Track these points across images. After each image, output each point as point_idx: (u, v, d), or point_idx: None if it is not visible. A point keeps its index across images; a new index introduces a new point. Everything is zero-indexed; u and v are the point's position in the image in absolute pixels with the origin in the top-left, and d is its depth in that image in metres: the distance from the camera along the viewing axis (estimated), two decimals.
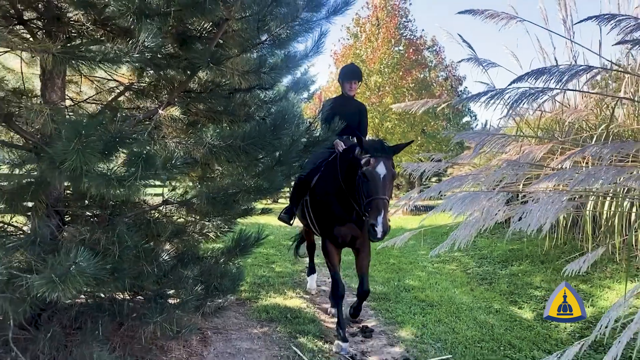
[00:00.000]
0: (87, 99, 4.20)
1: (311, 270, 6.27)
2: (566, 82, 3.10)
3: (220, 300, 3.98)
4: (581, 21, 3.43)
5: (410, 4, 19.08)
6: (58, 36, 3.35)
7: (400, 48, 17.38)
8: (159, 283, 3.40)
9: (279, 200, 18.57)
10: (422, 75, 17.49)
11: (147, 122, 3.47)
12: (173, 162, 2.92)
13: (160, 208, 3.89)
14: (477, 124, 32.39)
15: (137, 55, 2.55)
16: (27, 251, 2.85)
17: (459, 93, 25.57)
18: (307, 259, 6.49)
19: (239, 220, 4.38)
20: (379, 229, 3.47)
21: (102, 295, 3.44)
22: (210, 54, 3.16)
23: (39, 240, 3.07)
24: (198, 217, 3.91)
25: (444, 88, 20.92)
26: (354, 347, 4.16)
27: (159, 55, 2.91)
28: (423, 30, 24.02)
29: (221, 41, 3.38)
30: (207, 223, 4.15)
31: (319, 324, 4.66)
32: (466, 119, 31.20)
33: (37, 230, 3.18)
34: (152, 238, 3.64)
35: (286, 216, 5.09)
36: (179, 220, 3.98)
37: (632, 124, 5.44)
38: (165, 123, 3.56)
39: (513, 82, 3.21)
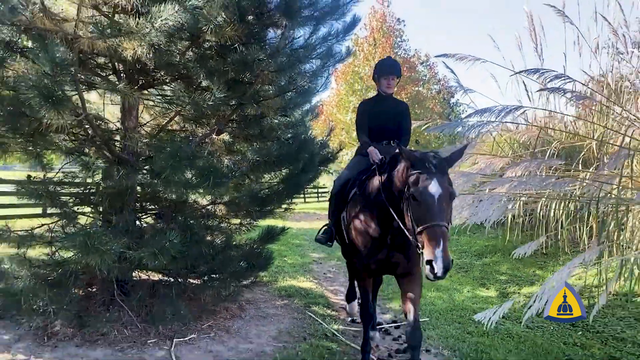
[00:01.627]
0: (146, 123, 5.46)
1: (351, 295, 5.31)
2: (504, 116, 4.37)
3: (252, 278, 5.26)
4: (519, 72, 4.70)
5: (405, 25, 20.42)
6: (138, 81, 4.62)
7: None
8: (213, 261, 4.64)
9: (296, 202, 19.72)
10: (415, 89, 18.76)
11: (204, 143, 4.74)
12: (230, 173, 4.18)
13: (209, 207, 5.15)
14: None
15: (211, 104, 3.80)
16: (125, 237, 4.06)
17: (452, 105, 26.83)
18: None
19: (262, 222, 5.63)
20: (439, 266, 2.56)
21: (171, 270, 4.68)
22: (253, 96, 4.43)
23: (130, 229, 4.32)
24: (238, 214, 5.17)
25: (436, 100, 22.23)
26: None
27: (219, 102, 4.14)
28: (416, 49, 25.46)
29: (259, 86, 4.64)
30: (241, 219, 5.43)
31: (327, 299, 5.91)
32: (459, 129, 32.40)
33: (127, 222, 4.41)
34: (204, 229, 4.90)
35: (324, 237, 4.23)
36: (221, 216, 5.24)
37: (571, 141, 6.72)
38: (217, 144, 4.83)
39: (467, 116, 4.48)
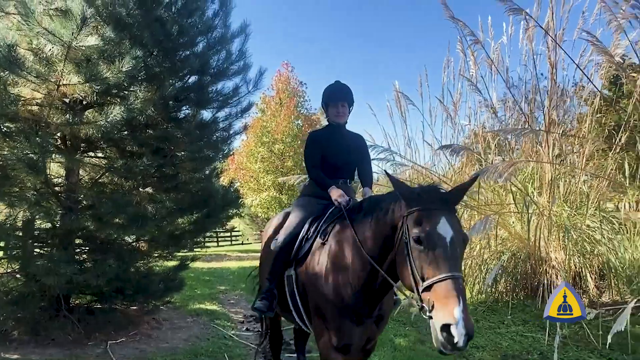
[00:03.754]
0: (81, 179, 6.81)
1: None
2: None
3: (168, 298, 6.68)
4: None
5: (307, 87, 22.93)
6: (80, 147, 6.04)
7: (299, 122, 20.98)
8: (138, 284, 6.02)
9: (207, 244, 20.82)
10: None
11: (132, 194, 6.20)
12: (153, 218, 5.68)
13: (134, 244, 6.56)
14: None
15: (142, 168, 5.33)
16: (71, 265, 5.38)
17: None
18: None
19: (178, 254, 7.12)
20: (459, 332, 1.88)
21: (105, 290, 6.00)
22: (171, 160, 6.01)
23: (75, 259, 5.65)
24: (157, 249, 6.60)
25: None
26: None
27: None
28: (316, 109, 28.30)
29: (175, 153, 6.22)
30: (160, 253, 6.86)
31: (229, 316, 7.40)
32: None
33: (72, 254, 5.73)
34: (131, 259, 6.29)
35: (264, 304, 3.13)
36: (144, 250, 6.65)
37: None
38: (142, 195, 6.29)
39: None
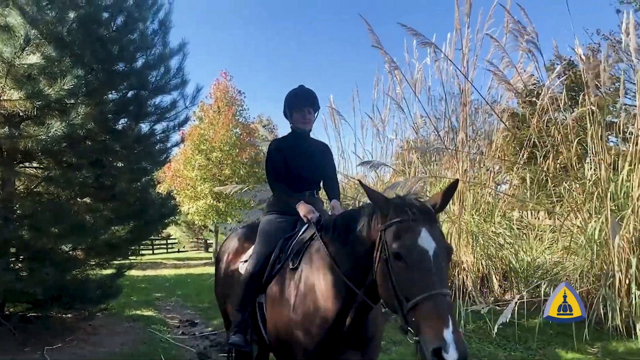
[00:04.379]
0: (16, 188, 6.88)
1: None
2: None
3: (105, 305, 6.87)
4: None
5: (245, 96, 23.23)
6: (17, 158, 6.15)
7: (237, 130, 21.23)
8: (75, 290, 6.19)
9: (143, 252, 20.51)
10: (255, 152, 21.22)
11: (70, 204, 6.36)
12: (91, 227, 5.90)
13: (70, 252, 6.70)
14: None
15: (81, 179, 5.55)
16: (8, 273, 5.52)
17: None
18: None
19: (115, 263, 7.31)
20: (452, 355, 1.69)
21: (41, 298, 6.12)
22: (109, 171, 6.24)
23: (11, 267, 5.77)
24: (94, 257, 6.77)
25: None
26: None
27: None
28: (260, 114, 28.90)
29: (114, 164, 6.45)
30: (98, 261, 7.03)
31: (165, 321, 7.64)
32: None
33: (9, 262, 5.84)
34: (68, 267, 6.44)
35: (239, 337, 2.88)
36: (81, 258, 6.81)
37: None
38: (79, 205, 6.46)
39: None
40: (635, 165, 5.96)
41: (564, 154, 6.53)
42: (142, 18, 6.46)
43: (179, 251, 32.43)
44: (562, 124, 6.72)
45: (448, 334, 1.72)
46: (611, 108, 8.21)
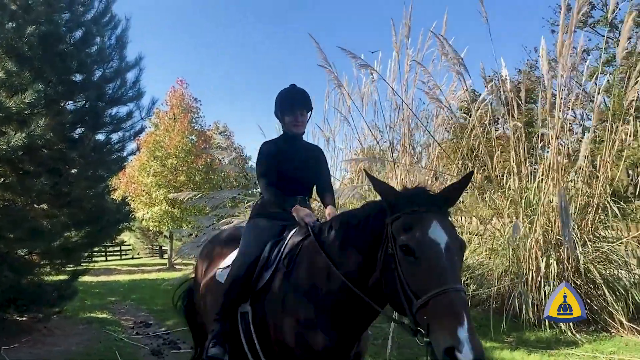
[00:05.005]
0: None
1: None
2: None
3: (61, 307, 7.10)
4: None
5: (201, 104, 23.47)
6: None
7: (193, 137, 21.46)
8: (31, 293, 6.42)
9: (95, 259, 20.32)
10: (210, 159, 21.44)
11: (27, 210, 6.59)
12: (48, 232, 6.17)
13: (26, 256, 6.92)
14: None
15: (39, 187, 5.82)
16: None
17: (246, 171, 30.17)
18: None
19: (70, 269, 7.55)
20: (466, 355, 1.53)
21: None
22: (66, 178, 6.52)
23: None
24: (50, 261, 7.01)
25: (232, 166, 25.29)
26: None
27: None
28: (216, 121, 29.30)
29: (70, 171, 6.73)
30: (54, 264, 7.26)
31: (119, 323, 7.90)
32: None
33: None
34: (25, 271, 6.66)
35: (219, 350, 2.57)
36: (37, 262, 7.03)
37: None
38: (37, 211, 6.68)
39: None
40: (546, 174, 6.75)
41: (488, 166, 7.26)
42: (100, 34, 6.78)
43: (133, 258, 32.05)
44: (486, 138, 7.47)
45: (462, 332, 1.56)
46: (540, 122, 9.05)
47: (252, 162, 25.87)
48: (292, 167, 2.94)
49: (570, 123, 7.82)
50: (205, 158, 21.05)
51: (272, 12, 68.08)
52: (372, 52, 11.85)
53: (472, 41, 12.67)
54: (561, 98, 6.90)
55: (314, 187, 3.18)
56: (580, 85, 8.68)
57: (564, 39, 6.82)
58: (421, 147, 9.33)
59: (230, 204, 20.62)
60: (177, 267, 20.46)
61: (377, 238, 2.04)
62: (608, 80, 10.48)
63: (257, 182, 3.21)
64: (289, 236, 2.66)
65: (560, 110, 6.85)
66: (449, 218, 1.96)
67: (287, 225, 2.76)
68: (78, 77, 6.74)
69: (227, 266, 2.85)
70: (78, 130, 7.06)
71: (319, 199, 3.25)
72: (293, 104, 2.97)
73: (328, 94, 11.64)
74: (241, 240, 2.87)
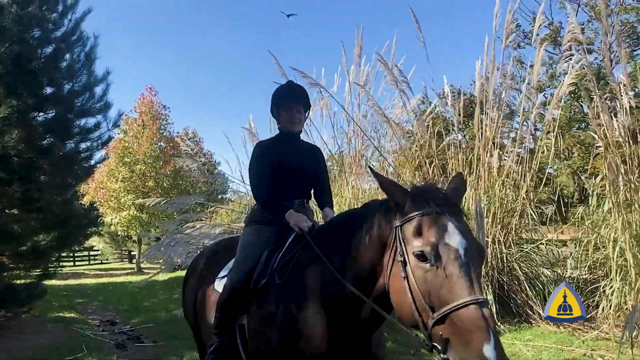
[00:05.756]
0: None
1: None
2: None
3: (30, 305, 7.50)
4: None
5: (170, 111, 23.77)
6: None
7: (161, 144, 21.81)
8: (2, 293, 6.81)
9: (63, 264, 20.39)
10: (178, 166, 21.80)
11: None
12: (19, 235, 6.60)
13: None
14: None
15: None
16: None
17: (215, 176, 30.52)
18: None
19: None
20: None
21: None
22: (36, 186, 6.95)
23: None
24: (20, 263, 7.40)
25: (201, 172, 25.62)
26: None
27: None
28: (185, 127, 29.68)
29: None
30: (24, 266, 7.64)
31: (86, 321, 8.32)
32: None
33: None
34: None
35: None
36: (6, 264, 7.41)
37: None
38: (7, 216, 7.07)
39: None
40: (494, 182, 7.50)
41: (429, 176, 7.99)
42: (70, 50, 7.24)
43: (102, 263, 31.96)
44: (436, 149, 8.19)
45: (489, 350, 1.40)
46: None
47: (221, 168, 26.31)
48: (289, 169, 2.73)
49: (500, 138, 8.57)
50: (174, 164, 21.43)
51: (242, 20, 68.39)
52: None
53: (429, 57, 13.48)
54: (491, 117, 7.67)
55: (312, 190, 2.98)
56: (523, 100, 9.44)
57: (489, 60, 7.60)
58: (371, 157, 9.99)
59: (199, 209, 21.07)
60: (145, 270, 20.73)
61: (383, 244, 1.85)
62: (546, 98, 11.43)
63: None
64: (287, 244, 2.47)
65: (488, 128, 7.61)
66: (465, 219, 1.78)
67: (287, 231, 2.54)
68: (48, 91, 7.18)
69: (224, 276, 2.64)
70: (48, 140, 7.48)
71: (316, 203, 3.04)
72: (289, 99, 2.79)
73: None
74: (237, 248, 2.67)
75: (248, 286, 2.41)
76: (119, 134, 21.18)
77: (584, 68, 7.20)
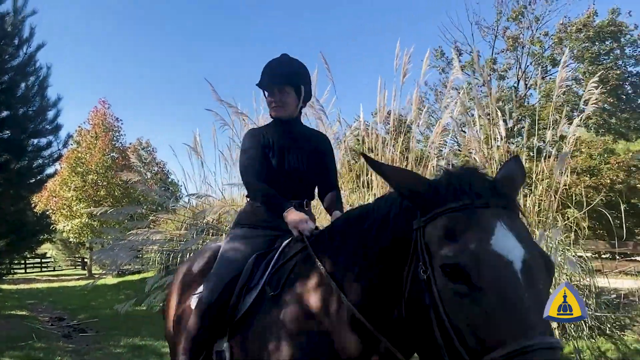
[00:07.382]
0: None
1: None
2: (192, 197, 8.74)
3: None
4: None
5: (122, 123, 24.37)
6: None
7: (114, 154, 22.48)
8: None
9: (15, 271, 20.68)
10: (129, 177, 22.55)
11: None
12: None
13: None
14: None
15: None
16: None
17: (167, 184, 31.07)
18: None
19: None
20: None
21: None
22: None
23: None
24: None
25: (154, 180, 26.29)
26: None
27: None
28: (139, 137, 30.24)
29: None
30: None
31: (37, 318, 9.17)
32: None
33: None
34: None
35: None
36: None
37: None
38: None
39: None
40: None
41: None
42: (24, 80, 8.19)
43: (54, 269, 31.87)
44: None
45: None
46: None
47: (173, 177, 26.88)
48: (285, 161, 2.20)
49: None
50: (126, 174, 22.15)
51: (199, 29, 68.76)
52: None
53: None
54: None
55: (316, 188, 2.40)
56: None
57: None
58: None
59: (145, 218, 21.63)
60: (96, 275, 21.25)
61: (403, 251, 1.32)
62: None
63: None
64: (280, 248, 1.96)
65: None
66: (519, 216, 1.26)
67: (280, 235, 2.04)
68: (4, 114, 8.10)
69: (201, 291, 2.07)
70: (4, 157, 8.38)
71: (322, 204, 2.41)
72: (270, 78, 2.20)
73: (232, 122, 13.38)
74: (218, 256, 2.14)
75: (227, 302, 1.88)
76: (71, 144, 21.73)
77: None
